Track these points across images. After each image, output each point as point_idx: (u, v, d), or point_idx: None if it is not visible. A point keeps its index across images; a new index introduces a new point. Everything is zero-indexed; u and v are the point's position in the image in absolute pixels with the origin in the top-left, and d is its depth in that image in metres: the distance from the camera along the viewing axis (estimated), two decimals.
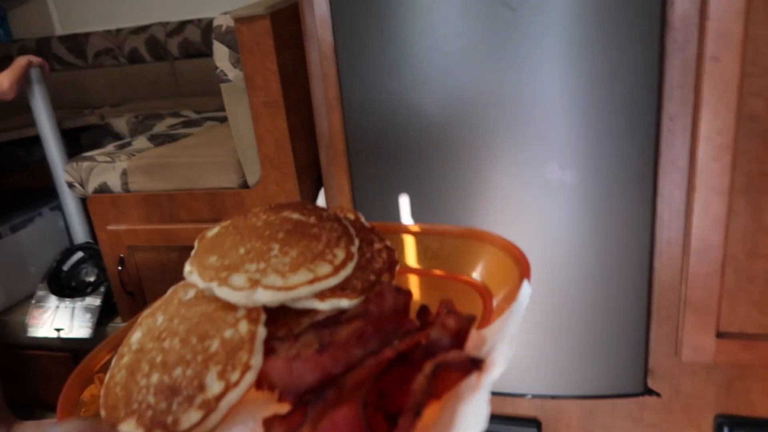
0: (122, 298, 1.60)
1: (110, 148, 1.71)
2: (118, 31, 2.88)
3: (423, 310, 0.32)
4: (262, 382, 0.28)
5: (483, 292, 0.34)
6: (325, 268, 0.31)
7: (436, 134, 0.98)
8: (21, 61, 1.67)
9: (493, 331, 0.29)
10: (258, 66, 1.20)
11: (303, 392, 0.28)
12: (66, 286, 1.75)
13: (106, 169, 1.56)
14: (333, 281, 0.31)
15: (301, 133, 1.29)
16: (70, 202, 1.84)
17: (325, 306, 0.31)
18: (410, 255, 0.41)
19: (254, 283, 0.30)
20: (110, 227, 1.53)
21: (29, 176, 2.40)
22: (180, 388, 0.27)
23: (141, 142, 1.76)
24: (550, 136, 0.93)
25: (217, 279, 0.30)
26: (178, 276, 0.33)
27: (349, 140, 1.05)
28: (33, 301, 1.71)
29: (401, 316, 0.31)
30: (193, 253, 0.33)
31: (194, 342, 0.29)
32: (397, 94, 0.97)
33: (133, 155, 1.58)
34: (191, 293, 0.32)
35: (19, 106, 2.07)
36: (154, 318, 0.31)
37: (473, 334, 0.29)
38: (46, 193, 2.05)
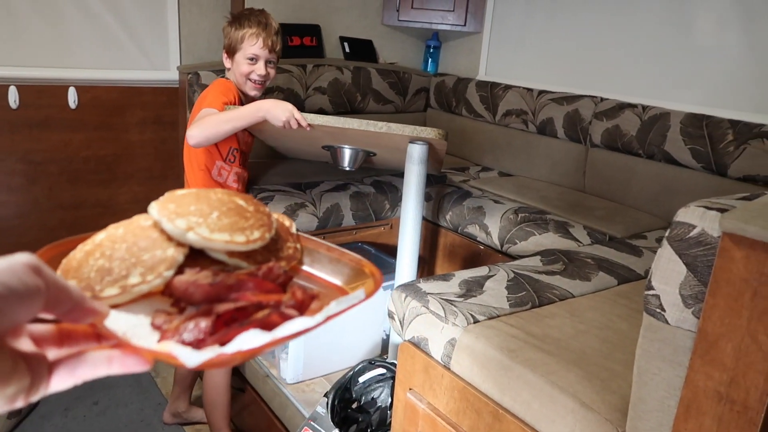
0: None
1: (454, 290, 1.17)
2: (541, 93, 2.40)
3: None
4: (166, 290, 0.41)
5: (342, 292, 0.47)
6: (240, 238, 0.45)
7: None
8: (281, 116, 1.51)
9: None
10: None
11: (188, 304, 0.41)
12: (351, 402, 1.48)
13: (432, 324, 1.08)
14: (242, 248, 0.45)
15: None
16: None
17: (230, 261, 0.45)
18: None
19: (190, 228, 0.44)
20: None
21: (388, 231, 2.17)
22: (112, 272, 0.41)
23: (498, 280, 1.20)
24: None
25: (167, 217, 0.44)
26: None
27: None
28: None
29: (276, 286, 0.44)
30: (161, 198, 0.47)
31: (135, 250, 0.43)
32: None
33: (475, 320, 1.06)
34: (148, 222, 0.46)
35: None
36: (116, 228, 0.45)
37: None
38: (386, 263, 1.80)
